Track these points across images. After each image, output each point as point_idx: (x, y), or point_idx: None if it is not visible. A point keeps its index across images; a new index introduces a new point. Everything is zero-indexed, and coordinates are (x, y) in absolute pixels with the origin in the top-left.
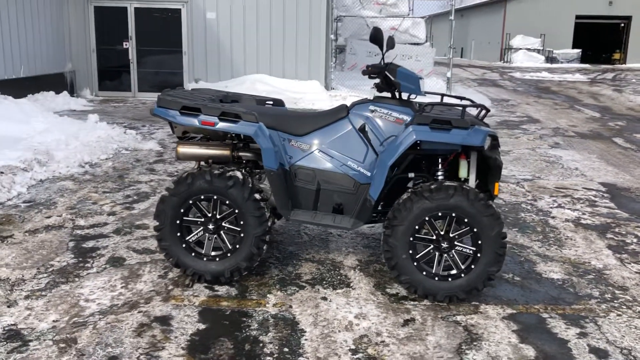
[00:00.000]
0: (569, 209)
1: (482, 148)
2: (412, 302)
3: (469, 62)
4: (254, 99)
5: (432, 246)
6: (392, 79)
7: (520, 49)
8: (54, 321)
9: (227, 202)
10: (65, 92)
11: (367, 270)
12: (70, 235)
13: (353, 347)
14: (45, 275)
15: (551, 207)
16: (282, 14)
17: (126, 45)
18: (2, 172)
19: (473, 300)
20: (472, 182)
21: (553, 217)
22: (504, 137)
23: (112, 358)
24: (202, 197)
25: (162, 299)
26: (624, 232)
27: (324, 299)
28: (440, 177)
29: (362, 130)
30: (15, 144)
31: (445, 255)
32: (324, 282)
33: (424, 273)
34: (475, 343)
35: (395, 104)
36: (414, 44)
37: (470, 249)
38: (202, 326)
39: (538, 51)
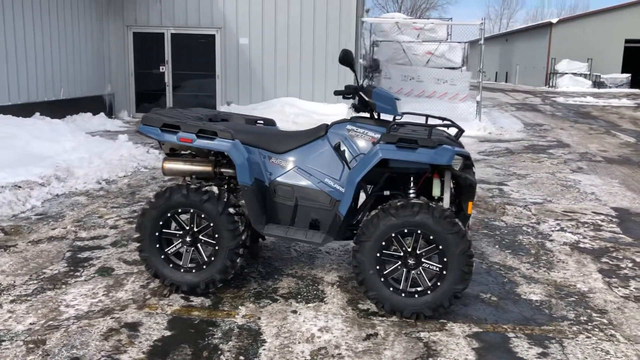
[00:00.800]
0: (570, 232)
1: (449, 167)
2: (380, 318)
3: (512, 87)
4: (243, 118)
5: (399, 263)
6: (366, 99)
7: (566, 73)
8: (30, 324)
9: (203, 215)
10: (102, 114)
11: (346, 286)
12: (69, 246)
13: (309, 358)
14: (35, 282)
15: (552, 231)
16: (311, 39)
17: (162, 69)
18: (19, 187)
19: (442, 318)
20: (447, 201)
21: (551, 240)
22: (525, 161)
23: (75, 359)
24: (180, 210)
25: (137, 307)
26: (620, 257)
27: (294, 312)
28: (412, 195)
29: (337, 148)
30: (40, 161)
31: (413, 272)
32: (299, 297)
33: (391, 289)
34: (430, 359)
35: (371, 123)
36: (450, 68)
37: (436, 267)
38: (167, 333)
39: (585, 76)
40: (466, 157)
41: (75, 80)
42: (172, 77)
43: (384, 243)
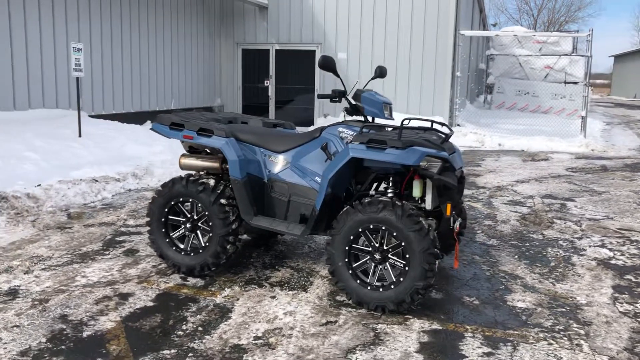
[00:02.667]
0: (608, 249)
1: (417, 167)
2: (349, 309)
3: None
4: (261, 121)
5: (368, 257)
6: (352, 102)
7: None
8: (46, 287)
9: (199, 204)
10: None
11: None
12: (114, 231)
13: (260, 334)
14: (69, 256)
15: (589, 246)
16: (408, 52)
17: (267, 83)
18: (96, 180)
19: (409, 314)
20: (429, 202)
21: (581, 255)
22: (614, 179)
23: (63, 315)
24: (181, 199)
25: (137, 282)
26: None
27: (273, 297)
28: (389, 195)
29: (324, 148)
30: (126, 161)
31: (380, 267)
32: (285, 285)
33: (358, 282)
34: (371, 347)
35: (360, 126)
36: (571, 82)
37: (401, 263)
38: (150, 304)
39: None
40: (445, 160)
41: (186, 92)
42: (275, 91)
43: (352, 237)
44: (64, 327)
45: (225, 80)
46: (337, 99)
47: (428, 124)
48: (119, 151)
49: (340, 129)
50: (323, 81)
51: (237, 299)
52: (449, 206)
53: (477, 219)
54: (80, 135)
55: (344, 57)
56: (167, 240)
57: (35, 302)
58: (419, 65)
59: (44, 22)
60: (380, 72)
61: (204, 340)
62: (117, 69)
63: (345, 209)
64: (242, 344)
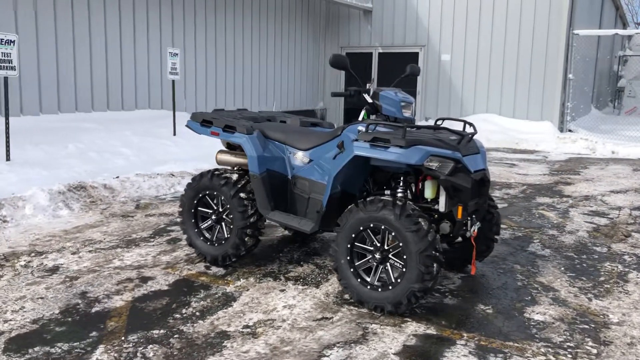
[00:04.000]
0: None
1: (421, 167)
2: (351, 307)
3: None
4: (299, 120)
5: (370, 256)
6: (370, 101)
7: None
8: (84, 267)
9: (222, 197)
10: None
11: None
12: (168, 221)
13: (251, 324)
14: (117, 241)
15: None
16: (515, 53)
17: (368, 86)
18: (173, 175)
19: (409, 316)
20: (442, 204)
21: None
22: None
23: (84, 292)
24: (207, 192)
25: (163, 267)
26: None
27: (282, 290)
28: (399, 195)
29: (339, 147)
30: (212, 159)
31: (382, 267)
32: (300, 281)
33: (359, 280)
34: (352, 345)
35: (381, 125)
36: None
37: (400, 263)
38: (164, 288)
39: None
40: (457, 162)
41: (288, 95)
42: None
43: (354, 235)
44: (79, 302)
45: (329, 84)
46: (353, 97)
47: (460, 125)
48: (208, 150)
49: (359, 127)
50: (426, 84)
51: (247, 290)
52: (460, 209)
53: (541, 228)
54: (174, 134)
55: (448, 59)
56: (196, 230)
57: (67, 279)
58: (527, 66)
59: (151, 31)
60: (412, 71)
61: (195, 325)
62: (220, 71)
63: (349, 207)
64: (229, 331)
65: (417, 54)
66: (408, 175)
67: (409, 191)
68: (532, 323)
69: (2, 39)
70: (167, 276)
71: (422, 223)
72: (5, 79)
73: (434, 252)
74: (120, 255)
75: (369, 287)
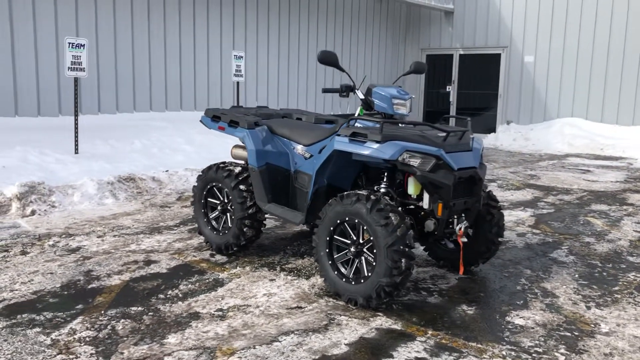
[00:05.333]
0: None
1: (396, 162)
2: (329, 299)
3: None
4: (314, 116)
5: (347, 250)
6: (361, 97)
7: None
8: (102, 249)
9: (225, 189)
10: None
11: None
12: None
13: (225, 308)
14: (144, 227)
15: None
16: (605, 54)
17: (448, 88)
18: None
19: (383, 311)
20: (426, 201)
21: None
22: None
23: (90, 270)
24: (214, 184)
25: (172, 253)
26: None
27: (272, 280)
28: (382, 190)
29: None
30: None
31: (357, 260)
32: (294, 272)
33: (336, 272)
34: (309, 333)
35: (373, 121)
36: None
37: (372, 257)
38: (163, 271)
39: None
40: (438, 158)
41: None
42: (457, 97)
43: (332, 228)
44: (81, 278)
45: (409, 86)
46: (345, 94)
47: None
48: None
49: (357, 124)
50: (507, 86)
51: (239, 277)
52: (440, 206)
53: (579, 235)
54: None
55: (531, 61)
56: (205, 219)
57: (81, 259)
58: (617, 68)
59: (224, 35)
60: (416, 68)
61: (173, 305)
62: (292, 72)
63: (330, 201)
64: (201, 313)
65: (499, 55)
66: (395, 171)
67: (396, 188)
68: (510, 327)
69: (72, 43)
70: (171, 261)
71: (392, 218)
72: (76, 79)
73: (402, 247)
74: (139, 240)
75: (344, 279)
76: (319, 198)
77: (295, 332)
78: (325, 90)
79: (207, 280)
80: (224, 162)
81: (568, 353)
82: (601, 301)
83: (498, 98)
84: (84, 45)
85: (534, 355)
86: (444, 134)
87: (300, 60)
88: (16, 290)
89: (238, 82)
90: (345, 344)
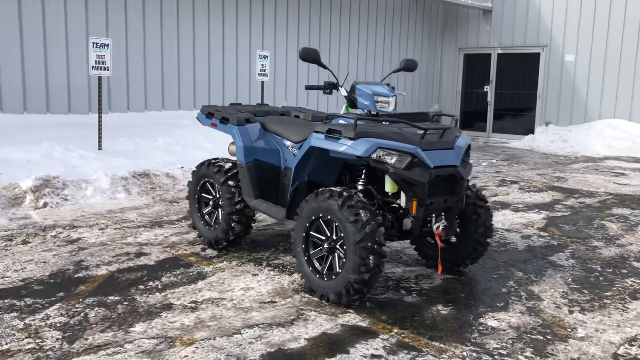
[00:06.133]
0: None
1: (368, 159)
2: (305, 295)
3: None
4: (311, 114)
5: (322, 246)
6: (345, 94)
7: None
8: (99, 241)
9: (215, 185)
10: None
11: None
12: None
13: (199, 300)
14: (147, 221)
15: None
16: None
17: (486, 88)
18: None
19: (354, 309)
20: (403, 199)
21: None
22: None
23: (81, 260)
24: (207, 179)
25: (165, 246)
26: None
27: (254, 275)
28: (360, 187)
29: None
30: None
31: (331, 256)
32: (279, 268)
33: (311, 268)
34: (273, 326)
35: (355, 118)
36: None
37: (343, 254)
38: (151, 263)
39: None
40: (413, 156)
41: (397, 97)
42: (494, 97)
43: (308, 224)
44: (71, 268)
45: (446, 86)
46: (328, 91)
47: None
48: None
49: (342, 121)
50: (547, 86)
51: (223, 271)
52: (414, 204)
53: (588, 238)
54: None
55: (572, 60)
56: (199, 214)
57: (76, 249)
58: None
59: (254, 35)
60: (406, 65)
61: (149, 296)
62: (323, 71)
63: (307, 197)
64: (174, 304)
65: (538, 54)
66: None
67: (377, 185)
68: (481, 328)
69: (97, 43)
70: (162, 254)
71: (362, 214)
72: (100, 78)
73: (370, 244)
74: (138, 233)
75: (318, 275)
76: (300, 194)
77: (260, 326)
78: (308, 87)
79: (191, 273)
80: (216, 158)
81: (532, 356)
82: (587, 306)
83: (537, 98)
84: (108, 45)
85: (496, 357)
86: (422, 132)
87: (331, 57)
88: (7, 277)
89: (263, 82)
90: (305, 339)
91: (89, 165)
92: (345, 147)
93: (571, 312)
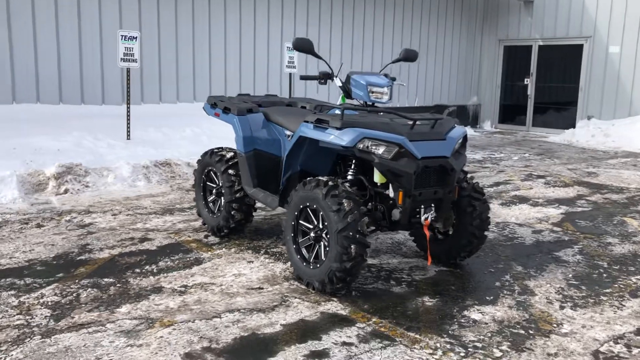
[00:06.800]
0: None
1: (353, 149)
2: (294, 283)
3: None
4: (315, 105)
5: (310, 235)
6: (339, 85)
7: None
8: (109, 226)
9: (217, 173)
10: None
11: None
12: None
13: (189, 284)
14: (160, 209)
15: None
16: None
17: (526, 81)
18: None
19: (339, 297)
20: (391, 189)
21: None
22: None
23: (87, 244)
24: (210, 168)
25: (170, 233)
26: None
27: (250, 262)
28: (349, 177)
29: None
30: None
31: (318, 245)
32: (275, 256)
33: (299, 256)
34: (253, 312)
35: (352, 109)
36: None
37: (327, 242)
38: (152, 248)
39: None
40: (400, 146)
41: (434, 89)
42: (535, 89)
43: (297, 213)
44: (75, 251)
45: (485, 79)
46: (323, 81)
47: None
48: None
49: (337, 111)
50: (589, 79)
51: (220, 257)
52: (400, 194)
53: (603, 235)
54: None
55: (617, 52)
56: (204, 202)
57: (84, 233)
58: None
59: (285, 28)
60: (406, 55)
61: (143, 279)
62: (356, 63)
63: (297, 186)
64: (165, 287)
65: (581, 46)
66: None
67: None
68: (462, 321)
69: (125, 36)
70: (165, 239)
71: (345, 204)
72: (128, 69)
73: (352, 233)
74: (148, 220)
75: (305, 263)
76: (294, 184)
77: (241, 311)
78: (303, 78)
79: (188, 259)
80: (219, 147)
81: (508, 350)
82: (581, 302)
83: (579, 91)
84: (136, 37)
85: (469, 349)
86: (411, 122)
87: (365, 50)
88: (15, 257)
89: (291, 74)
90: (282, 325)
91: (115, 154)
92: (331, 137)
93: (562, 307)
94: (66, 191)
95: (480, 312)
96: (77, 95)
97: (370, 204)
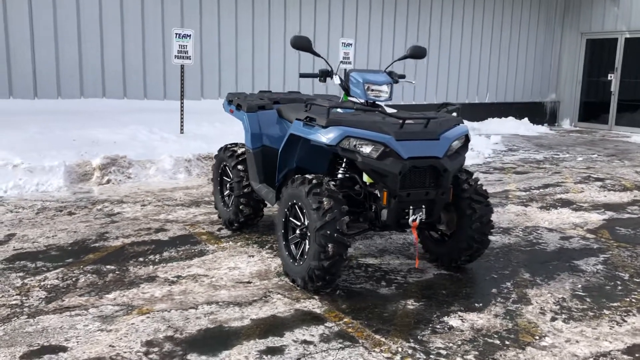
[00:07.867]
0: None
1: (336, 147)
2: (285, 279)
3: None
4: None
5: (298, 232)
6: (337, 82)
7: None
8: (134, 216)
9: (229, 168)
10: (523, 120)
11: None
12: None
13: (183, 275)
14: (188, 200)
15: None
16: None
17: (610, 77)
18: None
19: (321, 295)
20: (378, 190)
21: None
22: None
23: (105, 232)
24: (224, 163)
25: (187, 224)
26: None
27: (251, 256)
28: (339, 176)
29: None
30: None
31: (304, 242)
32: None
33: (287, 253)
34: (230, 305)
35: (350, 107)
36: None
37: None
38: (164, 239)
39: None
40: (385, 146)
41: (507, 86)
42: (620, 86)
43: (286, 210)
44: (92, 238)
45: (565, 74)
46: (322, 79)
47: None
48: None
49: (339, 110)
50: None
51: (223, 250)
52: (385, 194)
53: (638, 245)
54: None
55: None
56: (220, 196)
57: (108, 222)
58: None
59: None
60: (413, 52)
61: (142, 268)
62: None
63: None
64: (159, 277)
65: None
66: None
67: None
68: (437, 326)
69: (179, 34)
70: (179, 231)
71: (325, 202)
72: (182, 66)
73: (330, 232)
74: (173, 211)
75: (292, 260)
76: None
77: (219, 304)
78: (302, 75)
79: (193, 250)
80: (233, 143)
81: (482, 357)
82: (578, 315)
83: None
84: (190, 35)
85: (431, 356)
86: (401, 121)
87: (432, 47)
88: (37, 242)
89: (346, 70)
90: (251, 319)
91: (168, 147)
92: (316, 135)
93: (554, 319)
94: (108, 182)
95: (461, 319)
96: (140, 91)
97: (365, 203)
